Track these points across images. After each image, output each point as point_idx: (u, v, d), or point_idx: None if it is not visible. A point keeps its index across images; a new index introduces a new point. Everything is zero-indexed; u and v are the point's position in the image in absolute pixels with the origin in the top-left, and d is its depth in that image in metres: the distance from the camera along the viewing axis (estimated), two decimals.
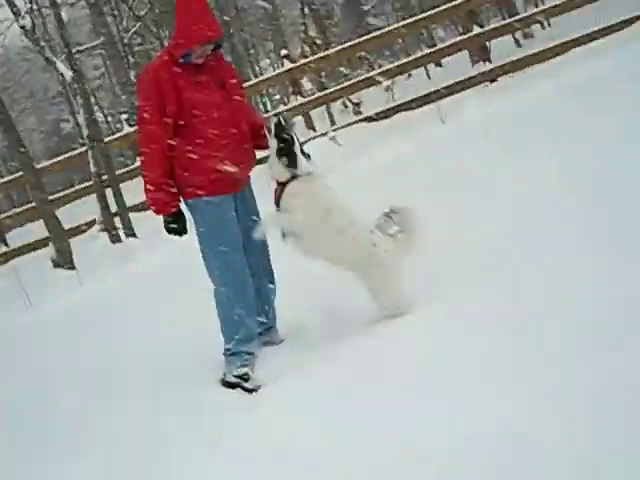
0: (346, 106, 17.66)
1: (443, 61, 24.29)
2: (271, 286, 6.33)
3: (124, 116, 19.40)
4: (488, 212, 6.95)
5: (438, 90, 15.53)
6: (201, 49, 5.74)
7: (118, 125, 32.74)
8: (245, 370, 5.87)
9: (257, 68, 43.51)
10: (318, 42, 21.97)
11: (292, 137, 5.76)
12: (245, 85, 6.84)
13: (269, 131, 5.78)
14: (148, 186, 5.86)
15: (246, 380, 5.81)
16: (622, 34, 14.26)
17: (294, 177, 5.73)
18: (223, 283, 5.88)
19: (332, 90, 17.70)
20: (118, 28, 34.87)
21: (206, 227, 5.87)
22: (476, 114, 11.92)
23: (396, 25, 17.48)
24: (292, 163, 5.72)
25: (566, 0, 15.73)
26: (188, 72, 5.75)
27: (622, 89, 9.37)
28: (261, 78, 18.74)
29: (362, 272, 5.77)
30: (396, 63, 18.06)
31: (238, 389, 5.80)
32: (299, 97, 16.44)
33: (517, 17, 18.87)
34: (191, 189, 5.84)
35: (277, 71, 19.16)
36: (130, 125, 18.96)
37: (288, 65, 16.44)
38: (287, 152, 5.71)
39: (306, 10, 29.14)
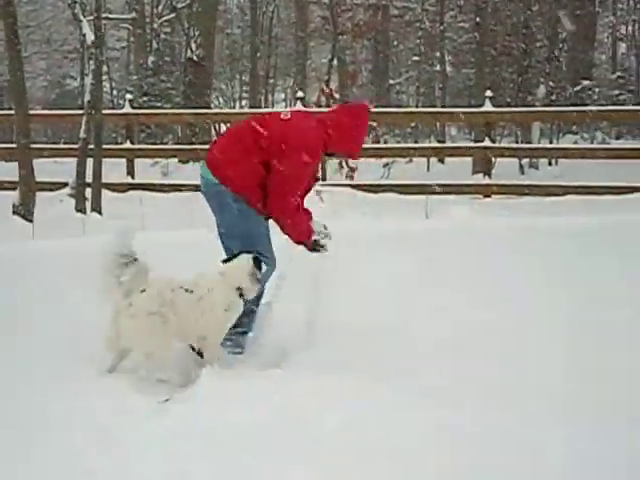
0: (342, 167, 17.67)
1: (447, 159, 24.48)
2: None
3: (129, 96, 19.34)
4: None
5: (432, 185, 15.67)
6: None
7: (121, 101, 32.54)
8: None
9: (270, 98, 43.51)
10: (336, 96, 22.06)
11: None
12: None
13: None
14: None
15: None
16: (627, 197, 14.48)
17: None
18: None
19: None
20: (152, 11, 34.97)
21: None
22: (462, 220, 12.03)
23: (415, 109, 17.65)
24: None
25: (580, 148, 15.98)
26: None
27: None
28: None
29: None
30: (402, 145, 18.21)
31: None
32: None
33: (530, 145, 19.10)
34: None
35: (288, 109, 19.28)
36: (132, 107, 18.94)
37: (299, 107, 16.53)
38: None
39: (335, 62, 29.30)
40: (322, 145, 6.24)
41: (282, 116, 6.31)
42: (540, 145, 21.63)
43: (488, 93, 16.07)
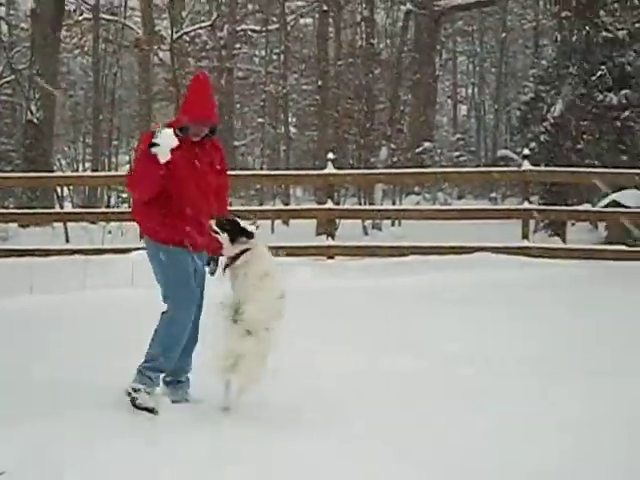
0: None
1: (291, 221, 24.51)
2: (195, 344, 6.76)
3: None
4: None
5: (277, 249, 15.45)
6: (197, 128, 6.54)
7: None
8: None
9: (114, 159, 43.06)
10: None
11: (233, 221, 6.44)
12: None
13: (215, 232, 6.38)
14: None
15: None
16: (458, 258, 14.73)
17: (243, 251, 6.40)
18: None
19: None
20: None
21: (170, 267, 6.53)
22: (306, 282, 12.07)
23: (259, 172, 17.57)
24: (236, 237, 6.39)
25: (422, 209, 16.20)
26: (183, 146, 6.39)
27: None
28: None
29: None
30: (247, 207, 18.11)
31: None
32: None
33: (373, 207, 19.29)
34: (161, 236, 6.52)
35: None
36: None
37: None
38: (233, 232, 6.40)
39: None
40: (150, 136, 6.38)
41: None
42: (382, 207, 21.88)
43: (330, 155, 16.14)
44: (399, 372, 7.25)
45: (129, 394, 6.29)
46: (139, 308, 8.87)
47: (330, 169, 15.92)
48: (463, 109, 51.83)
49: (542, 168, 17.32)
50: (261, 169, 36.93)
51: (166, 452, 5.43)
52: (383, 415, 6.12)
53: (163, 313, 6.49)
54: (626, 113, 19.49)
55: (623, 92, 19.39)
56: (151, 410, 6.21)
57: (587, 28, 19.15)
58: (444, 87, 46.53)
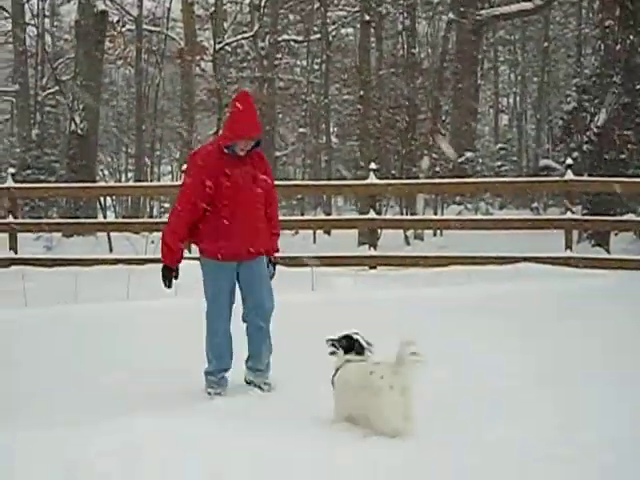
0: None
1: (333, 231, 24.52)
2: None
3: (12, 170, 18.87)
4: None
5: (314, 258, 15.35)
6: (244, 143, 7.01)
7: (3, 174, 32.00)
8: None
9: (156, 170, 43.35)
10: None
11: (353, 340, 6.44)
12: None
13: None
14: (167, 234, 7.11)
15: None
16: (501, 268, 14.65)
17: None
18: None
19: None
20: (37, 83, 34.63)
21: (206, 282, 7.25)
22: (347, 293, 12.09)
23: (301, 182, 17.62)
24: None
25: (463, 219, 16.13)
26: (230, 160, 7.03)
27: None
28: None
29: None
30: (288, 217, 18.15)
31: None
32: None
33: (415, 217, 19.26)
34: (205, 250, 7.18)
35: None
36: (15, 181, 18.44)
37: None
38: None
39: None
40: (201, 158, 7.11)
41: None
42: (424, 217, 21.84)
43: (372, 166, 16.15)
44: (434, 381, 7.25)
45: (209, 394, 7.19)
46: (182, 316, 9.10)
47: (372, 179, 15.92)
48: (504, 119, 51.55)
49: (585, 178, 17.19)
50: (302, 179, 37.11)
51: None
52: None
53: None
54: None
55: None
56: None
57: (631, 37, 18.98)
58: (485, 97, 46.33)
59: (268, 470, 5.17)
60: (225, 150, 7.04)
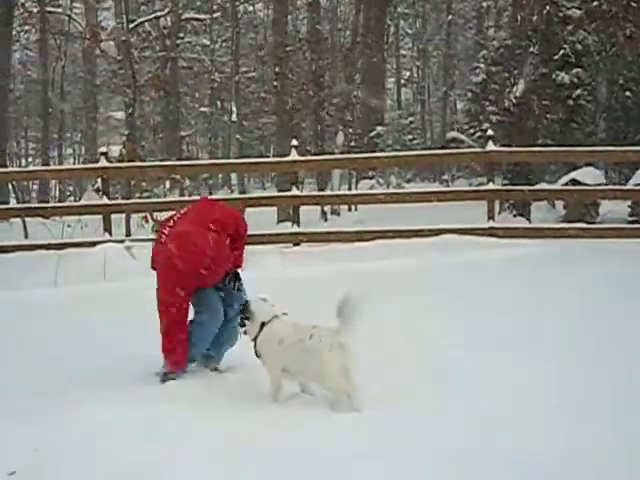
0: (147, 221, 17.10)
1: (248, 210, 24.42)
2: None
3: None
4: None
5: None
6: None
7: None
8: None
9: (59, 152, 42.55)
10: (139, 152, 21.85)
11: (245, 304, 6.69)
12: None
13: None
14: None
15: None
16: (426, 241, 14.72)
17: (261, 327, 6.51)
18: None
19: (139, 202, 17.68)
20: None
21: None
22: (278, 271, 12.13)
23: (221, 161, 17.47)
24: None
25: (380, 193, 16.19)
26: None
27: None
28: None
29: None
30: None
31: None
32: (105, 197, 15.97)
33: (333, 192, 19.29)
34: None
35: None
36: None
37: (103, 164, 15.92)
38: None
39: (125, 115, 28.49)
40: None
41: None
42: (346, 192, 21.96)
43: (294, 142, 16.03)
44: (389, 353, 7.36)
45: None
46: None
47: (294, 156, 15.85)
48: (407, 92, 52.00)
49: (506, 149, 17.26)
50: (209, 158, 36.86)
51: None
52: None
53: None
54: (577, 92, 19.66)
55: (574, 71, 19.55)
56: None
57: (547, 7, 19.19)
58: (388, 70, 46.62)
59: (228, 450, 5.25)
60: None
